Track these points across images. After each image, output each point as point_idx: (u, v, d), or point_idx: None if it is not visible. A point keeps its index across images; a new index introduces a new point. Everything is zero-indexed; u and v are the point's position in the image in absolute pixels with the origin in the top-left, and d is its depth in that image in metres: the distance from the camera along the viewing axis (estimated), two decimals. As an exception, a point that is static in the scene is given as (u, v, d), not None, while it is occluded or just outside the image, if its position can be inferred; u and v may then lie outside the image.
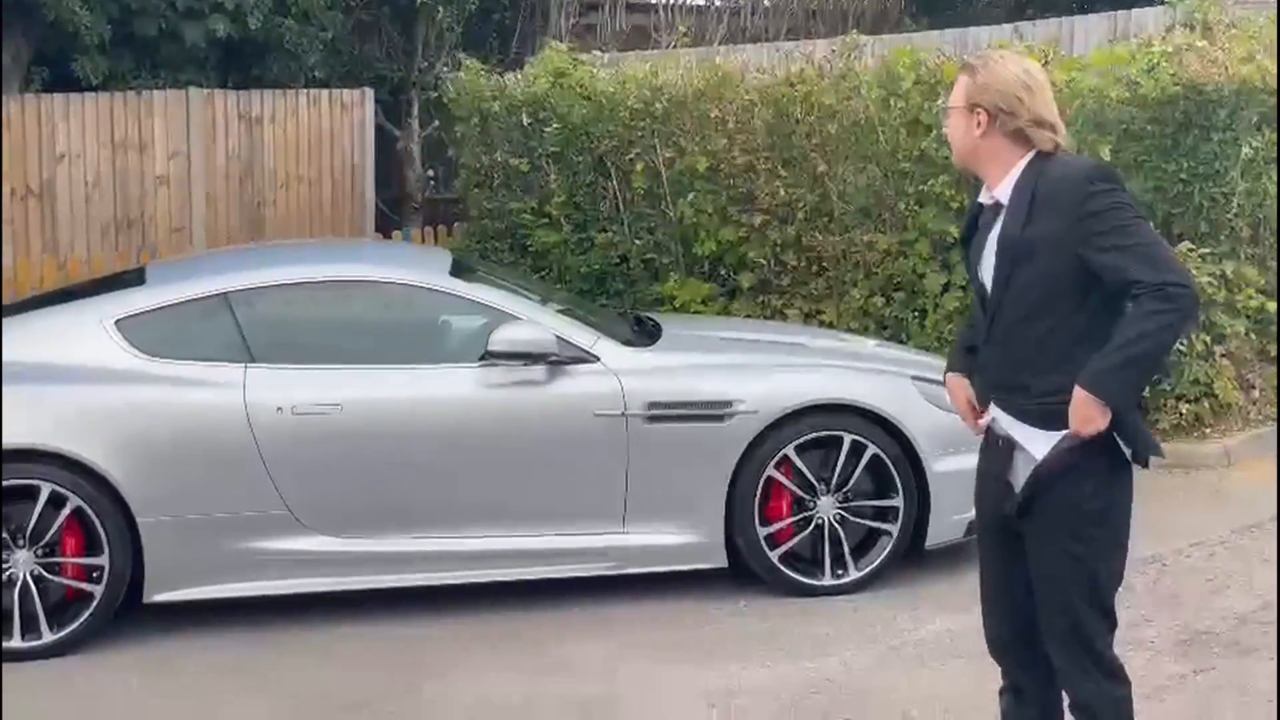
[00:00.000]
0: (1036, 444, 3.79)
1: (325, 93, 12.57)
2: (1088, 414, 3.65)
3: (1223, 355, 8.61)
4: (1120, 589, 5.79)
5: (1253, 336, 8.80)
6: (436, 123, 13.73)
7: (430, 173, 14.03)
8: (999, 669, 4.12)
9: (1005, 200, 3.83)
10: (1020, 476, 3.85)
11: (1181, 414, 8.56)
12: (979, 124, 3.83)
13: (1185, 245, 8.34)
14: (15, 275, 10.52)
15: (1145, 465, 3.86)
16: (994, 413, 3.93)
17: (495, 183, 10.67)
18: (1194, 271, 8.30)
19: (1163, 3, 10.62)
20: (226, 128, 11.96)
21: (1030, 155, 3.83)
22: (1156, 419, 8.58)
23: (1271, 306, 8.78)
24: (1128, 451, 3.80)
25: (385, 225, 13.13)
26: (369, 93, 12.80)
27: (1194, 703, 5.36)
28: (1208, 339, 8.50)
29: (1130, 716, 3.89)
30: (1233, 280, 8.56)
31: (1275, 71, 8.51)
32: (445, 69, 13.10)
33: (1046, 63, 8.91)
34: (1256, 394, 8.89)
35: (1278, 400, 8.75)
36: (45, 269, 10.60)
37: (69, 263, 10.74)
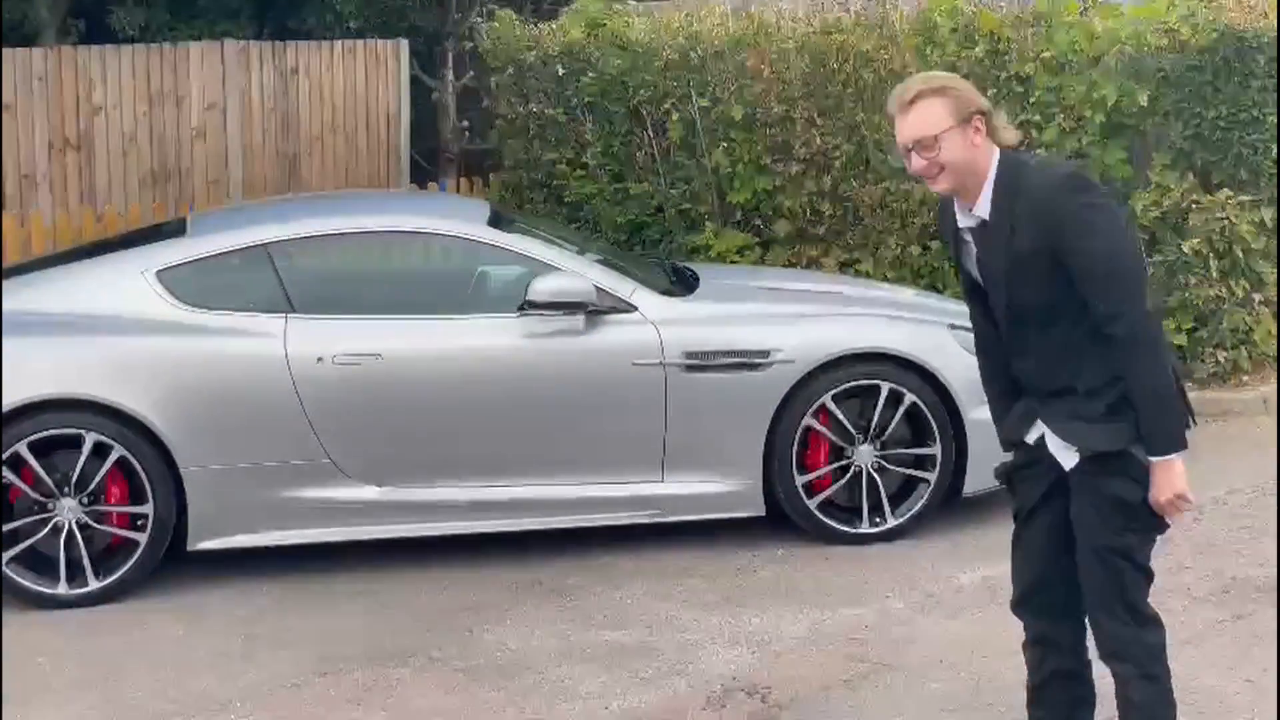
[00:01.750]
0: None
1: (360, 44, 12.55)
2: (1168, 481, 3.69)
3: (1261, 303, 8.58)
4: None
5: (1293, 281, 8.77)
6: (471, 74, 13.70)
7: (465, 124, 13.98)
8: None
9: (989, 216, 3.77)
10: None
11: (1220, 361, 8.55)
12: (976, 129, 3.77)
13: (1224, 193, 8.31)
14: (54, 227, 10.58)
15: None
16: (1040, 430, 3.92)
17: (530, 133, 10.68)
18: (1233, 218, 8.28)
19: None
20: (262, 80, 11.96)
21: (997, 157, 3.79)
22: (1194, 367, 8.57)
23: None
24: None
25: (420, 176, 13.14)
26: (404, 44, 12.77)
27: (1232, 647, 5.38)
28: (1247, 285, 8.47)
29: (1164, 662, 3.90)
30: (1271, 228, 8.51)
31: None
32: (479, 19, 13.06)
33: (1085, 10, 8.87)
34: (1296, 339, 8.87)
35: (1278, 370, 8.68)
36: (84, 221, 10.65)
37: (106, 214, 10.78)
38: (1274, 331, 8.61)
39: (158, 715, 5.15)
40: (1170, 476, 3.69)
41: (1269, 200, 8.54)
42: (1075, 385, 3.77)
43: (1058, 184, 3.73)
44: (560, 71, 10.42)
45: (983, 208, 3.76)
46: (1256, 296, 8.55)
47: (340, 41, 12.50)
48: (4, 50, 11.03)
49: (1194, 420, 3.86)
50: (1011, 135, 3.79)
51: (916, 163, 3.76)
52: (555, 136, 10.52)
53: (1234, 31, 8.34)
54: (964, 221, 3.85)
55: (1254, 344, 8.56)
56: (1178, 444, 3.70)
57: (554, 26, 10.95)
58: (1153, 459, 3.69)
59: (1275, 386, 8.22)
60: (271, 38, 12.41)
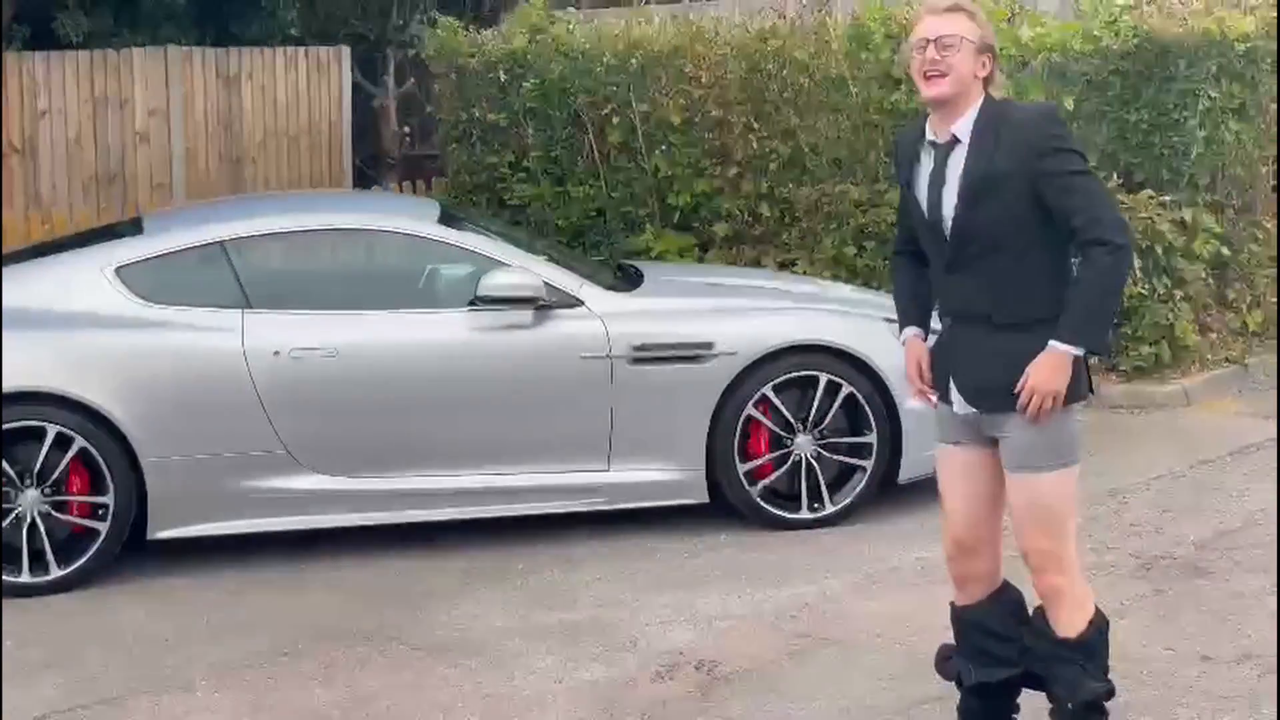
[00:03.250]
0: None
1: (302, 50, 12.74)
2: (1053, 374, 3.95)
3: (1182, 299, 8.91)
4: (1082, 519, 6.14)
5: (1210, 281, 9.11)
6: (412, 80, 13.92)
7: (406, 129, 14.22)
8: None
9: (964, 137, 4.06)
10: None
11: (1142, 355, 8.87)
12: (983, 64, 4.06)
13: (1146, 192, 8.63)
14: (1, 229, 10.68)
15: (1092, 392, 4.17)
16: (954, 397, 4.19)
17: (473, 138, 10.89)
18: (1155, 218, 8.60)
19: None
20: (205, 85, 12.13)
21: (983, 96, 4.08)
22: (1118, 361, 8.89)
23: (1227, 252, 9.07)
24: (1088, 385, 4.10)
25: (362, 181, 13.34)
26: (345, 50, 12.98)
27: (1152, 619, 5.65)
28: (1168, 282, 8.79)
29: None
30: (1191, 226, 8.84)
31: (1233, 24, 8.77)
32: (420, 26, 13.27)
33: (1012, 18, 9.19)
34: (1214, 337, 9.21)
35: (1278, 362, 9.03)
36: (32, 223, 10.76)
37: (54, 217, 10.89)
38: (1193, 326, 8.94)
39: (123, 694, 5.31)
40: (1062, 372, 3.95)
41: (1188, 201, 8.87)
42: (991, 315, 4.04)
43: (1043, 113, 4.13)
44: (502, 77, 10.64)
45: (961, 128, 4.02)
46: (1177, 293, 8.88)
47: (283, 48, 12.68)
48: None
49: (1094, 390, 4.15)
50: (999, 89, 4.09)
51: (930, 55, 4.02)
52: (498, 141, 10.74)
53: (1155, 38, 8.67)
54: (932, 137, 4.09)
55: (1175, 339, 8.89)
56: (1094, 345, 4.02)
57: (496, 33, 11.17)
58: (1061, 345, 3.93)
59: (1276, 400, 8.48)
60: (214, 44, 12.55)
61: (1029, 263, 4.01)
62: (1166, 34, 8.65)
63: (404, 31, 13.82)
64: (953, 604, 4.42)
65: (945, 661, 4.47)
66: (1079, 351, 4.00)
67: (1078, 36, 8.88)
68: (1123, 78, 8.76)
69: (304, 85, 12.69)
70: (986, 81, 4.07)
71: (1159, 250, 8.71)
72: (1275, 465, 7.29)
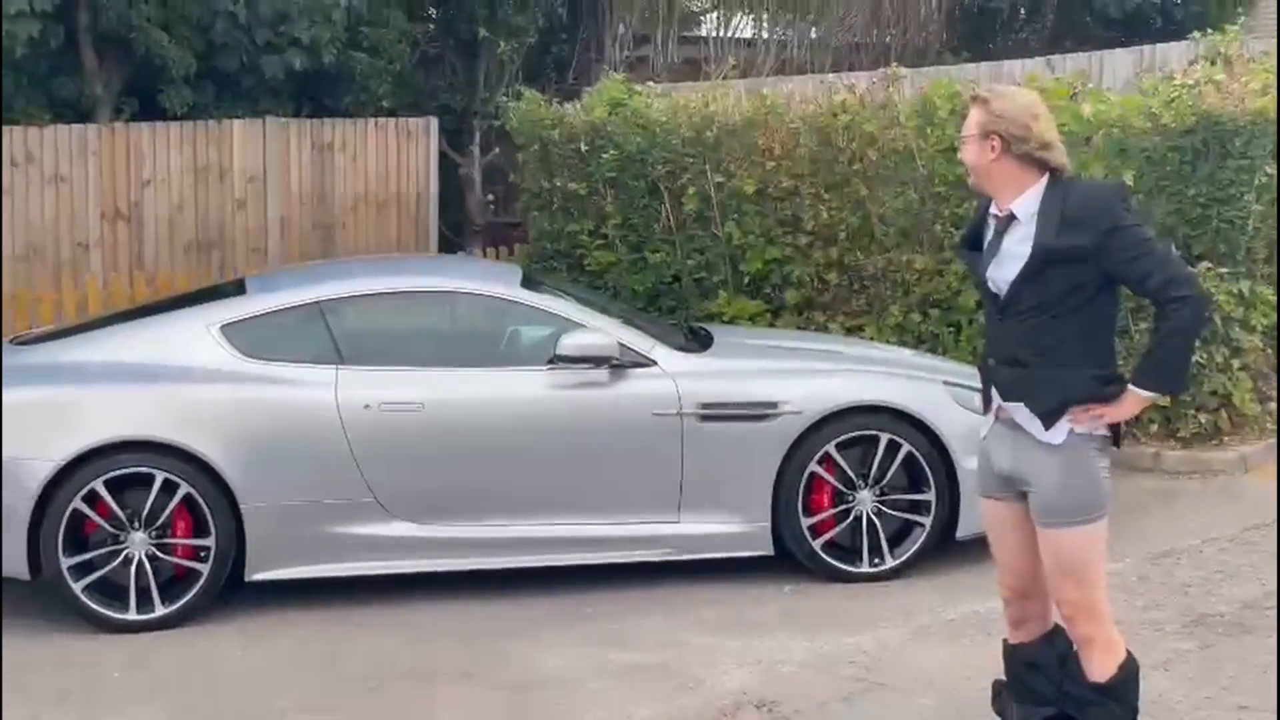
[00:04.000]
0: (1035, 427, 4.42)
1: (392, 121, 13.27)
2: (1137, 404, 4.36)
3: (1240, 368, 9.14)
4: (1135, 578, 6.43)
5: (1268, 351, 9.33)
6: (496, 150, 14.42)
7: (490, 197, 14.71)
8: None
9: (1021, 215, 4.42)
10: (1013, 461, 4.46)
11: (1201, 423, 9.10)
12: (992, 149, 4.44)
13: (1204, 265, 8.88)
14: (107, 290, 11.25)
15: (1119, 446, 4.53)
16: (999, 401, 4.55)
17: (554, 206, 11.34)
18: (1213, 290, 8.86)
19: (1187, 38, 11.19)
20: (300, 154, 12.68)
21: (1045, 177, 4.44)
22: (1178, 428, 9.13)
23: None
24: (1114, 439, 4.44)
25: (447, 247, 13.82)
26: (433, 121, 13.50)
27: (1196, 671, 5.91)
28: (1226, 352, 9.03)
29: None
30: (1249, 298, 9.08)
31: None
32: (505, 99, 13.78)
33: (1075, 95, 9.51)
34: (1273, 405, 9.42)
35: (1277, 404, 9.26)
36: (137, 284, 11.33)
37: (158, 279, 11.45)
38: (1251, 395, 9.17)
39: (221, 722, 5.72)
40: (1135, 406, 4.36)
41: (1246, 273, 9.12)
42: (1026, 362, 4.42)
43: (1107, 193, 4.50)
44: (583, 148, 11.09)
45: (1020, 208, 4.41)
46: (1235, 363, 9.12)
47: (373, 119, 13.23)
48: (60, 126, 11.76)
49: (1119, 445, 4.47)
50: (1056, 160, 4.43)
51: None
52: (578, 209, 11.17)
53: (1212, 116, 8.95)
54: (994, 210, 4.51)
55: (1233, 407, 9.12)
56: (1172, 390, 4.53)
57: (577, 106, 11.64)
58: (1141, 391, 4.33)
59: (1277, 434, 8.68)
60: (309, 115, 13.12)
61: (1071, 323, 4.36)
62: (1223, 112, 8.93)
63: (489, 103, 14.33)
64: (1005, 642, 4.72)
65: (996, 698, 4.77)
66: (1155, 396, 4.40)
67: (1138, 113, 9.19)
68: (1181, 154, 9.04)
69: (393, 154, 13.21)
70: (1028, 159, 4.41)
71: (1218, 321, 8.96)
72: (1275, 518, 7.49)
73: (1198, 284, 4.38)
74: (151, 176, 12.05)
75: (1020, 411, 4.47)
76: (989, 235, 4.52)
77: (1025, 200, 4.42)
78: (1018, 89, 4.60)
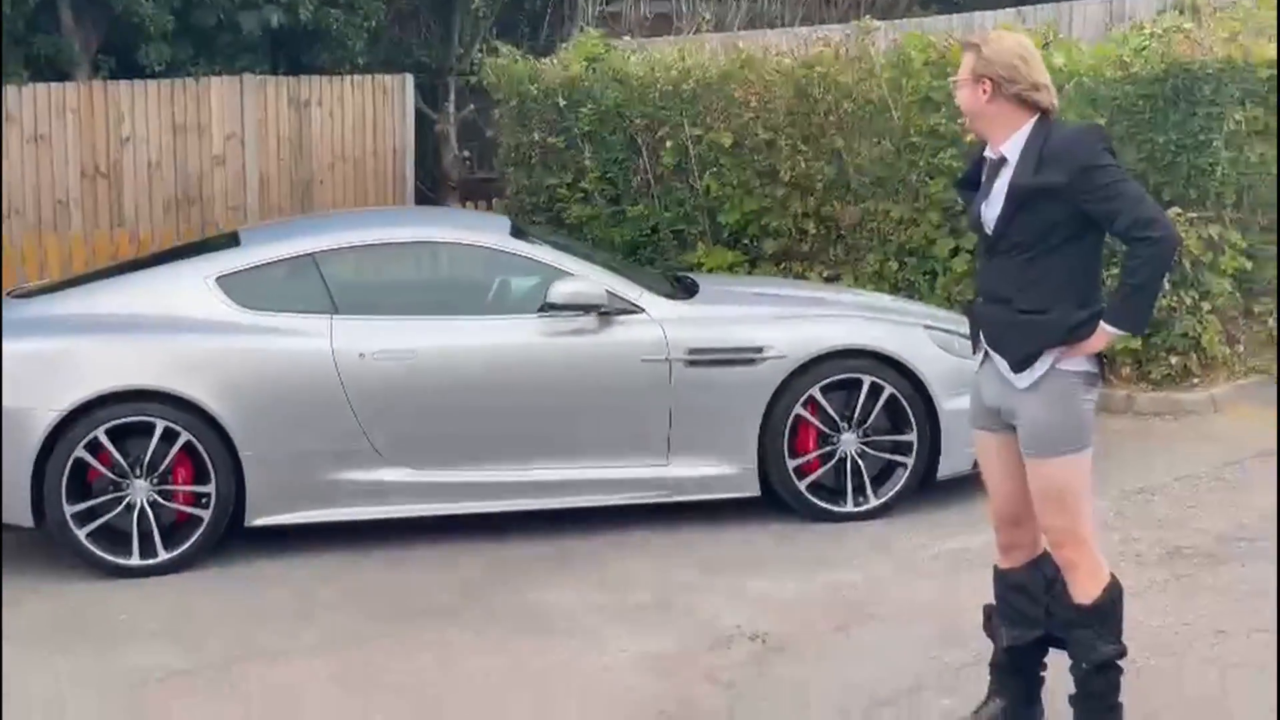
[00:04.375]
0: (1012, 376, 4.61)
1: (368, 78, 13.35)
2: (1104, 341, 4.52)
3: (1209, 311, 9.35)
4: (1111, 514, 6.63)
5: (1236, 295, 9.55)
6: (472, 106, 14.50)
7: (465, 153, 14.80)
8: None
9: (1010, 156, 4.59)
10: (1000, 396, 4.65)
11: (1172, 365, 9.32)
12: (984, 91, 4.60)
13: (1174, 210, 9.07)
14: (91, 247, 11.34)
15: (1106, 381, 4.71)
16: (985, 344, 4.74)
17: (533, 160, 11.45)
18: (1183, 235, 9.05)
19: (1155, -13, 11.38)
20: (277, 111, 12.76)
21: (1034, 118, 4.60)
22: (1149, 370, 9.35)
23: (1251, 267, 9.53)
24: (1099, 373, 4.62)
25: (424, 202, 13.93)
26: (409, 78, 13.58)
27: (1172, 599, 6.13)
28: (1195, 295, 9.25)
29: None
30: (1218, 242, 9.29)
31: (1256, 51, 9.24)
32: (480, 55, 13.87)
33: (1046, 45, 9.67)
34: (1240, 347, 9.64)
35: (1278, 357, 9.46)
36: (120, 241, 11.42)
37: (140, 235, 11.54)
38: (1220, 338, 9.39)
39: (230, 660, 5.86)
40: (1103, 341, 4.52)
41: (1215, 218, 9.33)
42: (1012, 299, 4.57)
43: (1084, 132, 4.66)
44: (561, 103, 11.20)
45: (1009, 149, 4.56)
46: (1205, 306, 9.33)
47: (350, 76, 13.30)
48: (39, 86, 11.80)
49: (1105, 378, 4.67)
50: (1045, 100, 4.57)
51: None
52: (556, 163, 11.29)
53: (1181, 64, 9.14)
54: (989, 154, 4.66)
55: (1202, 349, 9.34)
56: (1136, 329, 4.66)
57: (555, 61, 11.74)
58: (1109, 328, 4.49)
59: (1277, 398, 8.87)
60: (286, 72, 13.18)
61: (1053, 261, 4.52)
62: (1192, 60, 9.12)
63: (464, 60, 14.42)
64: (995, 568, 4.91)
65: (988, 621, 4.96)
66: (1124, 334, 4.59)
67: (1108, 63, 9.37)
68: (1151, 102, 9.23)
69: (370, 111, 13.30)
70: (1019, 100, 4.57)
71: (1187, 265, 9.16)
72: (1275, 469, 7.72)
73: (1167, 225, 4.51)
74: (130, 134, 12.12)
75: (998, 358, 4.65)
76: (986, 177, 4.69)
77: (1014, 141, 4.58)
78: (1008, 33, 4.75)
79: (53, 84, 11.93)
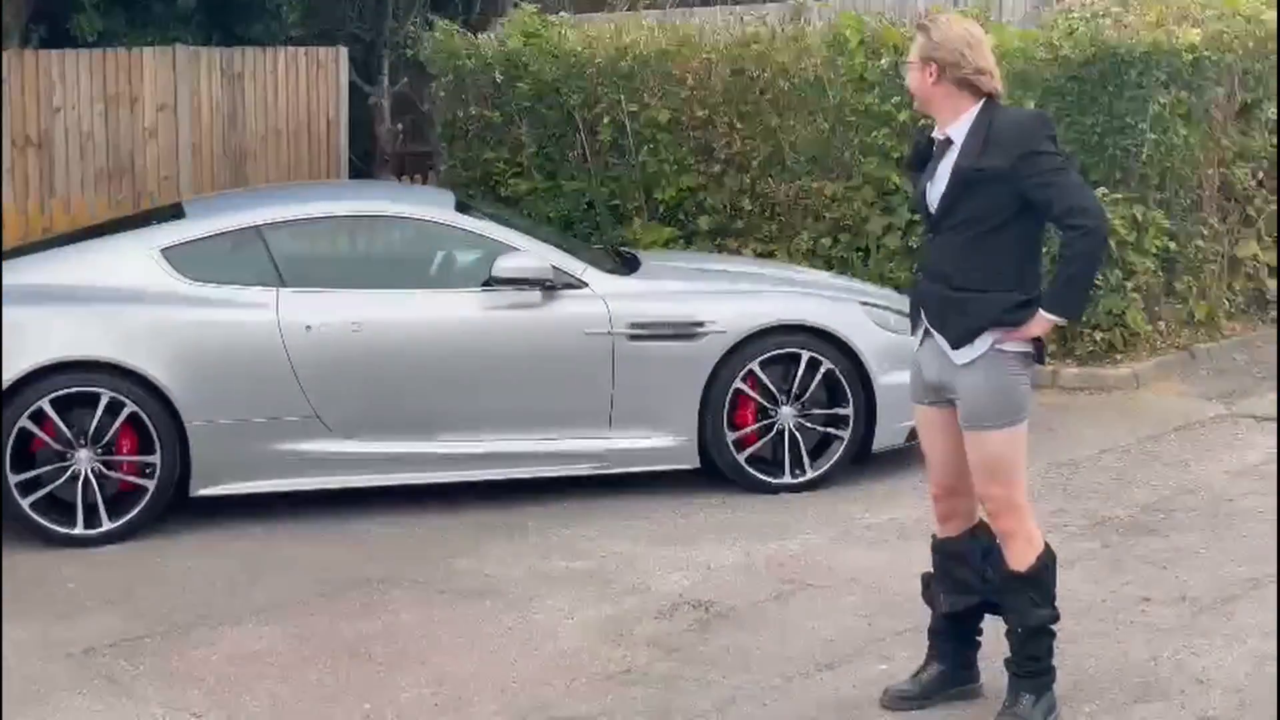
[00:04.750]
0: (951, 352, 4.77)
1: (302, 51, 13.30)
2: (1041, 328, 4.69)
3: (1133, 290, 9.60)
4: (1040, 486, 6.83)
5: (1159, 274, 9.80)
6: (405, 80, 14.50)
7: (399, 127, 14.79)
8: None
9: (956, 138, 4.74)
10: (940, 372, 4.81)
11: (1096, 341, 9.56)
12: (931, 74, 4.74)
13: (1100, 191, 9.28)
14: (26, 217, 11.27)
15: (1042, 362, 4.90)
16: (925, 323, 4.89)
17: (469, 135, 11.50)
18: (1109, 214, 9.26)
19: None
20: (210, 83, 12.70)
21: (981, 102, 4.74)
22: (1073, 346, 9.59)
23: (1175, 247, 9.79)
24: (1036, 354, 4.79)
25: (358, 176, 13.90)
26: (343, 51, 13.55)
27: (1100, 568, 6.34)
28: (1120, 273, 9.48)
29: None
30: (1142, 222, 9.53)
31: (1181, 35, 9.47)
32: (414, 28, 13.87)
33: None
34: (1163, 325, 9.91)
35: (1278, 354, 9.70)
36: (55, 211, 11.36)
37: (75, 206, 11.49)
38: (1143, 315, 9.64)
39: (183, 625, 5.93)
40: (1040, 327, 4.69)
41: (1139, 199, 9.56)
42: (950, 277, 4.73)
43: (1029, 119, 4.82)
44: (498, 78, 11.25)
45: (955, 131, 4.70)
46: (1128, 284, 9.57)
47: (284, 48, 13.26)
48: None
49: (1042, 360, 4.83)
50: (989, 85, 4.71)
51: None
52: (493, 138, 11.35)
53: (1109, 47, 9.36)
54: (936, 135, 4.80)
55: (1125, 326, 9.58)
56: (1072, 315, 4.84)
57: (492, 36, 11.79)
58: (1047, 315, 4.66)
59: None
60: (220, 44, 13.13)
61: (994, 242, 4.68)
62: (1120, 44, 9.33)
63: (398, 34, 14.41)
64: (934, 537, 5.08)
65: (926, 589, 5.13)
66: (1061, 320, 4.73)
67: (1038, 45, 9.57)
68: (1079, 84, 9.44)
69: (303, 84, 13.26)
70: (965, 83, 4.71)
71: (1112, 244, 9.37)
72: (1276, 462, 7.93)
73: (1099, 215, 4.67)
74: (62, 104, 12.00)
75: (938, 335, 4.81)
76: (935, 157, 4.83)
77: (960, 124, 4.73)
78: (958, 18, 4.89)
79: (-17, 52, 11.82)
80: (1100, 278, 9.36)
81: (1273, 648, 5.37)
